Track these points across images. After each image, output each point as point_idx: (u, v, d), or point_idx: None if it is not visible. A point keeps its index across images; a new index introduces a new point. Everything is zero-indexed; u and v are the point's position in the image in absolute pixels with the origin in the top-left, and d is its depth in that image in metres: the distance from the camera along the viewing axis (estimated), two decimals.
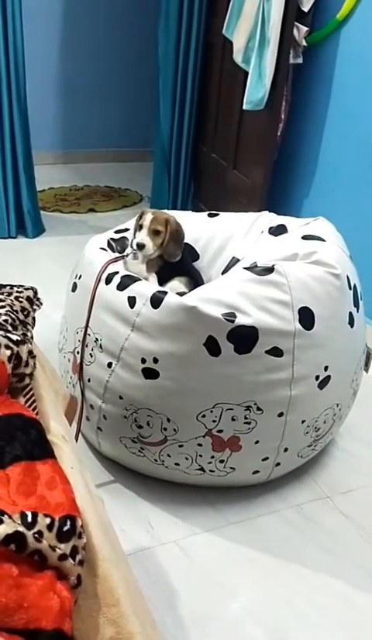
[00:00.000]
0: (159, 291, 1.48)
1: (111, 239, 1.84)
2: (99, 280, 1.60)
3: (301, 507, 1.68)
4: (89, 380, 1.62)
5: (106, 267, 1.62)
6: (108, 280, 1.57)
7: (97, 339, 1.57)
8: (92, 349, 1.60)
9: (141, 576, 1.39)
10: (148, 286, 1.53)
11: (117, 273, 1.58)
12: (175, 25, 3.13)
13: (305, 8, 2.53)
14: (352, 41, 2.46)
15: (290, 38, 2.51)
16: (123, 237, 1.86)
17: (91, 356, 1.60)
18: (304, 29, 2.56)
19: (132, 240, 1.76)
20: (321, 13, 2.57)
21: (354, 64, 2.46)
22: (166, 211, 1.83)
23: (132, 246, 1.74)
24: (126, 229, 1.90)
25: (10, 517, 0.70)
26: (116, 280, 1.55)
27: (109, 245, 1.81)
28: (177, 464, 1.59)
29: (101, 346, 1.56)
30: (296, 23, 2.52)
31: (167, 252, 1.75)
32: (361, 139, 2.44)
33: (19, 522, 0.70)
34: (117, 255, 1.75)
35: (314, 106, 2.71)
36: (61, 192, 4.01)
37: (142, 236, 1.70)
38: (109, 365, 1.54)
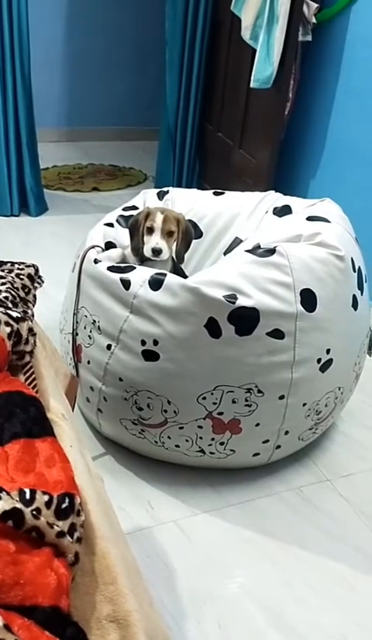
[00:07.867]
0: (157, 274, 1.47)
1: (121, 215, 1.82)
2: (85, 256, 1.56)
3: (301, 490, 1.68)
4: (89, 362, 1.61)
5: (92, 247, 1.59)
6: (97, 260, 1.55)
7: (94, 321, 1.56)
8: (90, 331, 1.58)
9: (140, 555, 1.39)
10: (141, 271, 1.49)
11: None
12: (183, 1, 3.07)
13: None
14: (362, 19, 2.41)
15: (299, 15, 2.46)
16: (132, 215, 1.83)
17: (90, 338, 1.59)
18: (314, 5, 2.51)
19: (138, 247, 1.53)
20: None
21: (364, 43, 2.41)
22: (169, 208, 1.66)
23: (143, 253, 1.50)
24: (134, 207, 1.87)
25: (8, 493, 0.70)
26: (105, 263, 1.54)
27: (118, 222, 1.79)
28: (177, 446, 1.59)
29: (99, 328, 1.55)
30: (306, 0, 2.46)
31: (177, 256, 1.56)
32: (370, 120, 2.40)
33: (17, 499, 0.70)
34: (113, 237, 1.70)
35: (323, 85, 2.66)
36: (65, 170, 3.97)
37: (157, 240, 1.46)
38: (108, 347, 1.53)
